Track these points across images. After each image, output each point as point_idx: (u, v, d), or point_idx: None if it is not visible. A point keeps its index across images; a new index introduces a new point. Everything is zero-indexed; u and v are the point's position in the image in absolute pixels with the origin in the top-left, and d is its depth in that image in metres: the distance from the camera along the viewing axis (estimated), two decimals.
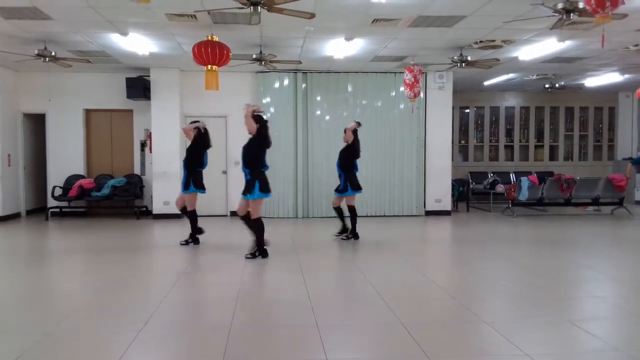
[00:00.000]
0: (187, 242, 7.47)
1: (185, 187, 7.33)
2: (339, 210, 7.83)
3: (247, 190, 6.24)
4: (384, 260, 6.79)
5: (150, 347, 3.60)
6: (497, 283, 5.37)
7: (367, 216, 10.70)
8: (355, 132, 7.69)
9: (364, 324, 4.07)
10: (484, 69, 9.45)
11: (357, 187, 7.59)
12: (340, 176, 7.67)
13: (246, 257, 6.38)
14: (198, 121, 7.57)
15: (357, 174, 7.70)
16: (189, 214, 7.45)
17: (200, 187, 7.38)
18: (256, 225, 6.39)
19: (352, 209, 7.72)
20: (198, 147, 7.34)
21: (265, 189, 6.28)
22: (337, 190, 7.73)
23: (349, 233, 7.74)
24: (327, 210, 10.76)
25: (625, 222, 10.13)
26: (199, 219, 7.59)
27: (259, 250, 6.41)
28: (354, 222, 7.73)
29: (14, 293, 5.10)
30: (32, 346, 3.52)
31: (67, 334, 3.83)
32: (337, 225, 8.04)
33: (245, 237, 8.04)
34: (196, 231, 7.49)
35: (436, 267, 6.46)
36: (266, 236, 6.48)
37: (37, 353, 3.44)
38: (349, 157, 7.62)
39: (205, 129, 7.45)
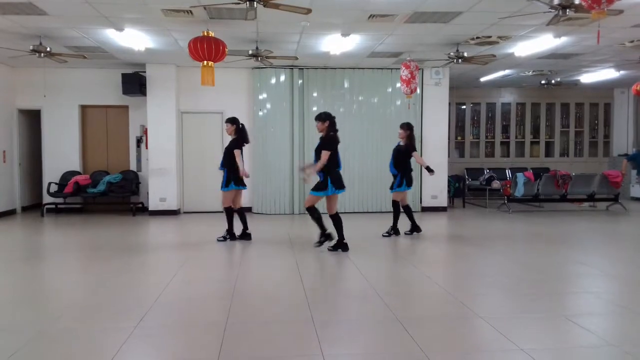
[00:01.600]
0: (237, 237, 7.53)
1: (226, 184, 7.29)
2: (397, 205, 7.87)
3: (320, 188, 6.45)
4: (379, 256, 6.80)
5: (145, 344, 3.59)
6: (493, 278, 5.38)
7: (363, 212, 10.72)
8: (410, 130, 7.76)
9: (360, 319, 4.08)
10: (480, 65, 9.45)
11: (412, 184, 7.85)
12: (396, 175, 7.74)
13: (329, 250, 6.70)
14: (235, 118, 7.46)
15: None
16: (225, 210, 7.45)
17: (241, 184, 7.37)
18: (335, 221, 6.68)
19: (404, 206, 7.87)
20: (238, 144, 7.31)
21: (340, 186, 6.52)
22: (393, 187, 7.82)
23: (410, 229, 7.95)
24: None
25: (620, 218, 10.17)
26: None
27: (340, 243, 6.70)
28: (411, 218, 7.88)
29: (8, 290, 5.09)
30: (26, 344, 3.51)
31: (61, 331, 3.82)
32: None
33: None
34: (232, 227, 7.51)
35: (432, 262, 6.47)
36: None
37: (30, 351, 3.42)
38: (400, 157, 7.75)
39: (242, 125, 7.42)
